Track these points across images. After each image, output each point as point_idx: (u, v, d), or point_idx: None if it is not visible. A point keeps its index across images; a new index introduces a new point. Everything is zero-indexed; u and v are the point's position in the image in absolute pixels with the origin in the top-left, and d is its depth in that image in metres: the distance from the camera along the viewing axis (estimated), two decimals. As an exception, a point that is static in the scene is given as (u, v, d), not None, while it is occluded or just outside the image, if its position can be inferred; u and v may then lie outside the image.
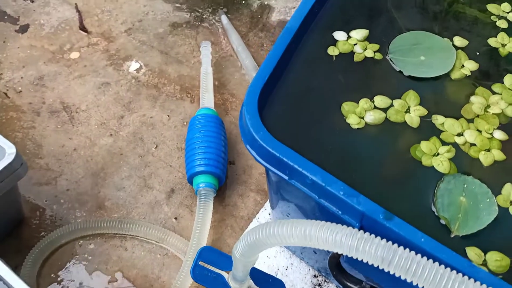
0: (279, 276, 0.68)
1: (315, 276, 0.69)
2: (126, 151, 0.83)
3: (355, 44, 0.57)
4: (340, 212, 0.44)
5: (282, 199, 0.60)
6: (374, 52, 0.57)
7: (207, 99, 0.84)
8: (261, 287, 0.57)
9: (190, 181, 0.76)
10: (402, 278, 0.38)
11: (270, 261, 0.69)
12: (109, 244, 0.73)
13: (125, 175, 0.80)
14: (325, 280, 0.68)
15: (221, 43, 0.97)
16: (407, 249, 0.39)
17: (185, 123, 0.86)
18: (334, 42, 0.58)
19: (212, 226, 0.75)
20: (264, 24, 1.00)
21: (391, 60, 0.56)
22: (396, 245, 0.39)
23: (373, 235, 0.40)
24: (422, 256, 0.39)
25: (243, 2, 1.03)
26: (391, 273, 0.39)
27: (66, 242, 0.72)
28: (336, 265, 0.52)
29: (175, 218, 0.76)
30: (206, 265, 0.56)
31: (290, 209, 0.59)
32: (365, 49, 0.57)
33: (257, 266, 0.57)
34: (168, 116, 0.87)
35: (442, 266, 0.38)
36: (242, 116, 0.49)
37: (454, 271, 0.37)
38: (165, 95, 0.89)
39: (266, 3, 1.03)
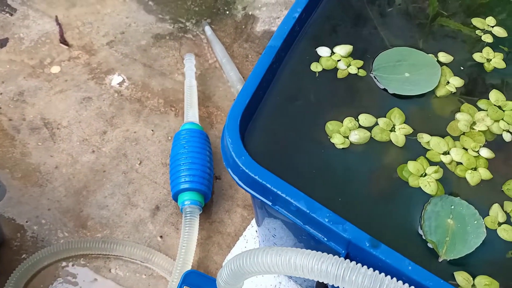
0: (267, 295, 0.67)
1: (303, 294, 0.68)
2: (109, 168, 0.81)
3: (338, 60, 0.56)
4: (325, 239, 0.43)
5: (268, 216, 0.59)
6: (358, 68, 0.56)
7: (192, 113, 0.83)
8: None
9: (175, 198, 0.75)
10: (390, 308, 0.38)
11: (258, 280, 0.68)
12: (93, 265, 0.71)
13: (108, 193, 0.78)
14: (313, 298, 0.67)
15: (205, 55, 0.95)
16: (394, 279, 0.38)
17: (169, 137, 0.84)
18: (317, 58, 0.57)
19: (199, 243, 0.74)
20: (249, 34, 0.98)
21: (375, 78, 0.55)
22: (382, 274, 0.39)
23: (359, 265, 0.39)
24: (410, 285, 0.38)
25: (227, 12, 1.01)
26: (378, 303, 0.38)
27: (49, 264, 0.71)
28: (323, 288, 0.51)
29: (161, 237, 0.75)
30: (191, 290, 0.55)
31: (277, 227, 0.58)
32: (348, 66, 0.56)
33: (245, 284, 0.56)
34: (152, 130, 0.85)
35: (430, 296, 0.37)
36: (224, 139, 0.48)
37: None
38: (148, 109, 0.88)
39: (250, 13, 1.02)
